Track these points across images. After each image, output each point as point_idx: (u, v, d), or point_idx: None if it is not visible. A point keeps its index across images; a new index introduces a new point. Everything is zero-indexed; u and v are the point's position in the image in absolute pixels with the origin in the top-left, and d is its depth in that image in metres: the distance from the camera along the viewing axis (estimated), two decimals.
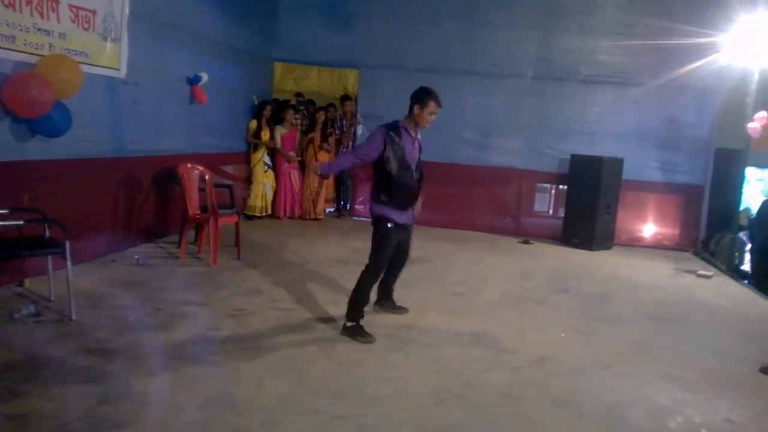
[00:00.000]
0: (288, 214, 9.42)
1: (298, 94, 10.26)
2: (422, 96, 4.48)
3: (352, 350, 4.26)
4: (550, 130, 9.71)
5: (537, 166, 9.76)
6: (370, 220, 4.74)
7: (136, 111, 6.31)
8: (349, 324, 4.54)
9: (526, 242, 9.12)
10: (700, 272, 7.79)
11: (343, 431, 3.15)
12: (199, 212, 6.37)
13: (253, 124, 8.91)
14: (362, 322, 4.57)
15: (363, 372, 3.91)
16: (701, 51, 8.75)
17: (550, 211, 9.88)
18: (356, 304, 4.56)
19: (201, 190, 6.44)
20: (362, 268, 4.67)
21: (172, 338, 4.19)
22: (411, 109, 4.52)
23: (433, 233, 8.85)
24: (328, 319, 4.86)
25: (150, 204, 6.83)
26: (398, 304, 5.18)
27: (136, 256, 6.18)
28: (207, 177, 6.37)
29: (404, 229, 4.73)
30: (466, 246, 8.46)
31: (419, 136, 4.71)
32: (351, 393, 3.59)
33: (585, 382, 4.05)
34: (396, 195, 4.52)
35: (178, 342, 4.13)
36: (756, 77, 8.58)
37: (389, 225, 4.55)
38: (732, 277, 8.02)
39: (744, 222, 9.54)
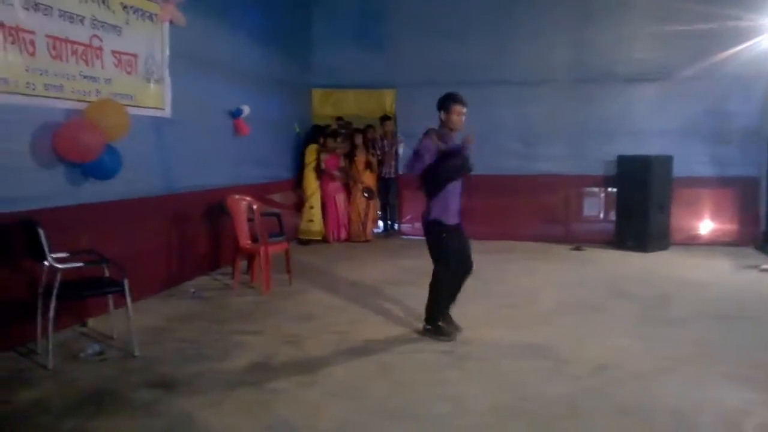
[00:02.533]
0: (336, 237, 9.53)
1: (339, 118, 10.38)
2: (443, 102, 4.73)
3: (408, 370, 4.25)
4: (592, 132, 9.57)
5: (583, 170, 9.60)
6: (423, 231, 4.94)
7: (182, 148, 6.49)
8: (427, 327, 4.86)
9: (577, 249, 8.96)
10: (764, 267, 7.51)
11: None
12: (249, 242, 6.49)
13: (312, 149, 9.19)
14: (442, 323, 4.87)
15: (421, 391, 3.89)
16: (742, 36, 8.54)
17: (601, 215, 9.71)
18: (431, 307, 4.85)
19: (250, 220, 6.56)
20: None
21: (230, 367, 4.26)
22: (439, 118, 4.76)
23: (481, 245, 8.65)
24: (382, 340, 4.86)
25: (202, 237, 7.00)
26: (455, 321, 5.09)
27: (192, 290, 6.32)
28: (255, 207, 6.48)
29: (459, 230, 4.86)
30: (516, 256, 8.37)
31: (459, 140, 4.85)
32: (410, 413, 3.57)
33: (649, 389, 3.94)
34: (448, 199, 4.75)
35: (237, 371, 4.19)
36: None
37: (442, 228, 4.74)
38: None
39: None
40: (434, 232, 4.81)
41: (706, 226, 9.39)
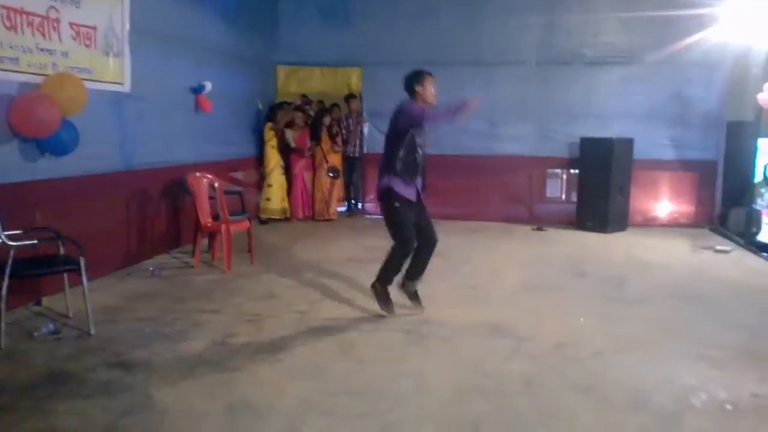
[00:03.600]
0: (300, 215, 9.47)
1: (303, 96, 10.26)
2: (415, 77, 4.71)
3: (371, 348, 4.26)
4: (557, 114, 9.65)
5: (547, 152, 9.69)
6: (381, 208, 4.91)
7: (142, 124, 6.35)
8: (377, 284, 4.86)
9: (539, 229, 9.07)
10: (718, 248, 7.71)
11: (365, 430, 3.15)
12: (210, 220, 6.40)
13: (269, 127, 9.02)
14: (389, 289, 4.89)
15: (383, 369, 3.91)
16: (704, 23, 8.65)
17: (563, 197, 9.82)
18: (386, 270, 4.85)
19: (211, 198, 6.46)
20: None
21: (190, 347, 4.20)
22: (413, 92, 4.71)
23: (445, 226, 8.72)
24: (344, 319, 4.86)
25: (162, 215, 6.88)
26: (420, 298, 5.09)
27: (151, 268, 6.22)
28: (216, 185, 6.39)
29: (416, 205, 4.81)
30: (479, 237, 8.43)
31: None
32: (372, 391, 3.58)
33: (606, 367, 4.02)
34: (407, 167, 4.70)
35: (197, 350, 4.15)
36: (761, 47, 8.46)
37: (397, 204, 4.71)
38: (750, 250, 7.92)
39: (759, 194, 9.44)
40: (387, 201, 4.77)
41: (664, 208, 9.59)
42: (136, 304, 5.15)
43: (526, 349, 4.28)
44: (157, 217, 6.78)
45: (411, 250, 4.82)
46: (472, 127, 9.65)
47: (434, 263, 5.02)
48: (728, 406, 3.47)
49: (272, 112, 9.13)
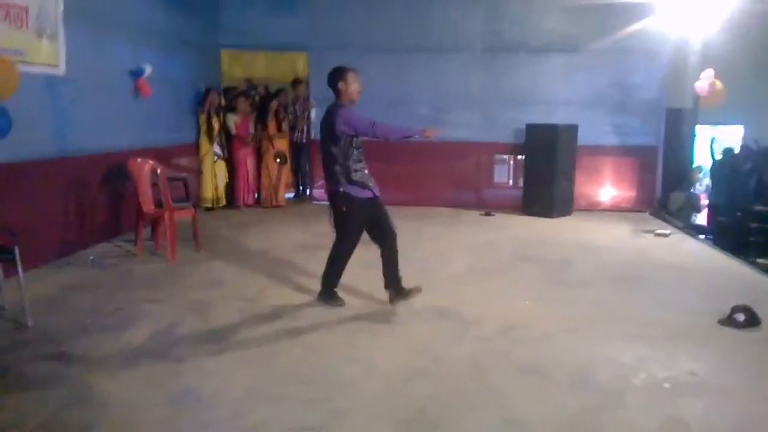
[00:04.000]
0: (246, 202, 9.32)
1: (248, 81, 10.08)
2: (338, 73, 4.55)
3: (319, 334, 4.23)
4: (504, 101, 9.74)
5: (494, 138, 9.79)
6: (333, 209, 4.72)
7: (78, 108, 6.11)
8: (324, 292, 4.79)
9: (487, 214, 9.16)
10: (658, 231, 7.94)
11: (312, 417, 3.12)
12: (153, 207, 6.23)
13: (201, 113, 8.76)
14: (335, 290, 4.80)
15: (331, 355, 3.89)
16: (645, 11, 8.85)
17: (510, 182, 9.93)
18: (329, 276, 4.77)
19: (154, 184, 6.29)
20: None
21: (132, 338, 4.10)
22: (336, 90, 4.57)
23: (393, 212, 8.67)
24: (292, 306, 4.81)
25: (102, 203, 6.66)
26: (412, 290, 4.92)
27: (91, 257, 6.03)
28: (159, 171, 6.22)
29: (372, 204, 4.70)
30: (427, 222, 8.45)
31: None
32: (320, 377, 3.56)
33: (550, 348, 4.10)
34: (357, 171, 4.58)
35: (139, 341, 4.04)
36: (698, 36, 8.72)
37: (352, 206, 4.59)
38: (688, 233, 8.20)
39: (697, 179, 9.78)
40: (341, 204, 4.63)
41: (607, 193, 9.83)
42: (76, 294, 4.99)
43: (473, 332, 4.33)
44: (96, 205, 6.56)
45: (352, 250, 4.73)
46: (419, 113, 9.68)
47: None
48: (666, 385, 3.58)
49: (205, 96, 8.86)
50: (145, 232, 6.44)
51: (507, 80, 9.70)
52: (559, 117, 9.29)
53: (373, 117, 4.59)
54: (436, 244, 7.24)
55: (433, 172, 9.79)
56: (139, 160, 6.32)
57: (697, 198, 9.74)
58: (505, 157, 9.90)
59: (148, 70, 7.21)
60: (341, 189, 4.58)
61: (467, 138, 9.77)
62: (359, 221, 4.68)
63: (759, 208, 8.89)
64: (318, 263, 4.97)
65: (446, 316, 4.65)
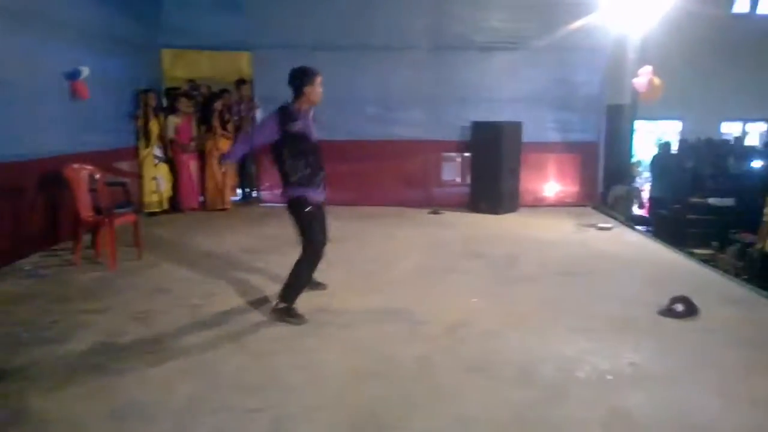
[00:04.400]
0: (191, 206, 9.11)
1: (190, 81, 9.88)
2: (305, 75, 4.49)
3: (264, 341, 4.17)
4: (451, 99, 9.78)
5: (441, 136, 9.83)
6: (286, 205, 4.62)
7: (8, 112, 5.85)
8: (281, 306, 4.52)
9: (435, 212, 9.21)
10: (600, 225, 8.13)
11: (258, 425, 3.08)
12: (92, 214, 6.03)
13: (137, 115, 8.52)
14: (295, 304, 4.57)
15: (277, 361, 3.83)
16: (586, 9, 9.02)
17: (458, 180, 10.00)
18: (295, 287, 4.55)
19: (93, 190, 6.09)
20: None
21: (72, 350, 3.96)
22: (300, 92, 4.50)
23: (342, 212, 8.73)
24: (239, 311, 4.73)
25: (38, 210, 6.40)
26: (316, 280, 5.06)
27: (26, 267, 5.80)
28: (97, 176, 6.02)
29: (321, 208, 4.70)
30: (376, 222, 8.45)
31: (312, 114, 4.68)
32: (265, 385, 3.51)
33: (497, 344, 4.14)
34: (311, 174, 4.53)
35: (79, 353, 3.91)
36: (636, 33, 8.94)
37: (308, 208, 4.51)
38: (629, 226, 8.41)
39: (636, 173, 10.05)
40: (298, 208, 4.55)
41: (551, 188, 10.00)
42: (11, 307, 4.78)
43: (421, 332, 4.34)
44: (32, 213, 6.30)
45: (322, 249, 4.61)
46: (366, 112, 9.69)
47: (330, 250, 4.95)
48: (609, 376, 3.66)
49: (142, 96, 8.62)
50: (85, 239, 6.23)
51: (453, 78, 9.74)
52: (504, 114, 9.39)
53: (320, 117, 4.72)
54: (384, 243, 7.23)
55: (380, 171, 9.78)
56: (75, 165, 6.10)
57: (637, 191, 10.02)
58: (453, 154, 9.96)
59: (84, 72, 6.97)
60: (295, 192, 4.54)
61: (414, 136, 9.80)
62: (314, 219, 4.58)
63: (695, 200, 9.19)
64: (264, 266, 4.91)
65: (394, 316, 4.64)
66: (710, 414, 3.24)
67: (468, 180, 9.75)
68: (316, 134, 4.67)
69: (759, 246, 7.07)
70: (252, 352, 3.97)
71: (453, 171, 9.95)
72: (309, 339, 4.20)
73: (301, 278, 4.57)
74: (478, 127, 9.37)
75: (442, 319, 4.57)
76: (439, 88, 9.78)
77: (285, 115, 4.47)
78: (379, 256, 6.56)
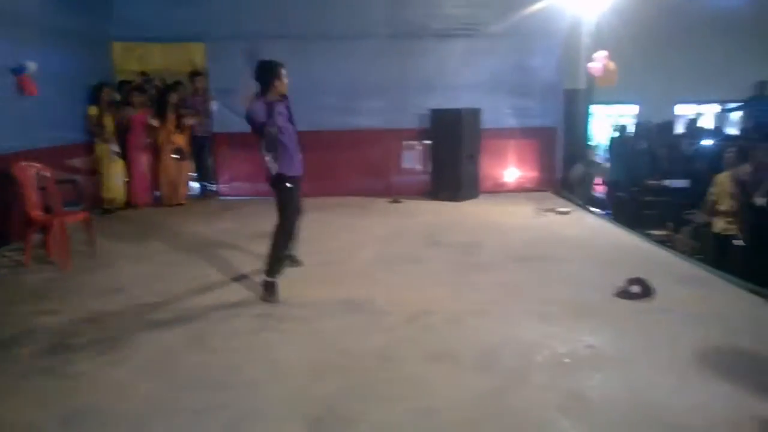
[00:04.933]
0: (145, 201, 8.90)
1: (143, 74, 9.65)
2: (271, 69, 4.83)
3: (222, 337, 4.10)
4: (410, 87, 9.74)
5: (401, 124, 9.78)
6: (274, 192, 4.94)
7: None
8: (269, 279, 4.81)
9: (396, 201, 9.19)
10: (559, 209, 8.21)
11: (217, 423, 3.03)
12: (41, 213, 5.85)
13: (93, 110, 8.28)
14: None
15: (236, 358, 3.78)
16: None
17: (418, 168, 9.97)
18: (277, 261, 4.88)
19: (42, 188, 5.91)
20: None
21: (22, 354, 3.84)
22: (268, 85, 4.82)
23: (303, 203, 8.70)
24: (196, 308, 4.64)
25: None
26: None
27: None
28: (48, 174, 5.85)
29: (298, 183, 5.08)
30: (337, 212, 8.37)
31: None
32: (225, 382, 3.46)
33: (459, 332, 4.15)
34: (291, 155, 4.98)
35: (30, 356, 3.80)
36: (590, 18, 9.03)
37: (289, 185, 4.88)
38: (588, 210, 8.52)
39: (593, 157, 10.18)
40: (280, 185, 4.89)
41: (511, 174, 10.06)
42: None
43: (383, 323, 4.32)
44: None
45: (297, 220, 5.11)
46: (327, 102, 9.58)
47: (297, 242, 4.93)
48: (567, 360, 3.70)
49: (97, 91, 8.39)
50: (35, 239, 6.05)
51: (412, 66, 9.70)
52: (463, 101, 9.39)
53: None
54: (345, 234, 7.18)
55: (340, 161, 9.70)
56: (23, 163, 5.91)
57: (597, 166, 10.15)
58: (413, 143, 9.94)
59: (31, 66, 6.74)
60: (274, 169, 4.88)
61: (375, 125, 9.73)
62: (294, 196, 5.02)
63: (651, 182, 9.33)
64: (221, 263, 4.83)
65: (356, 308, 4.62)
66: (664, 393, 3.29)
67: (428, 168, 9.75)
68: (287, 123, 4.99)
69: (701, 219, 7.21)
70: (210, 349, 3.91)
71: (413, 159, 9.92)
72: (268, 333, 4.16)
73: (280, 248, 4.92)
74: (437, 114, 9.36)
75: (404, 308, 4.57)
76: (398, 76, 9.72)
77: (266, 104, 4.78)
78: (340, 247, 6.52)
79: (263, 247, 4.97)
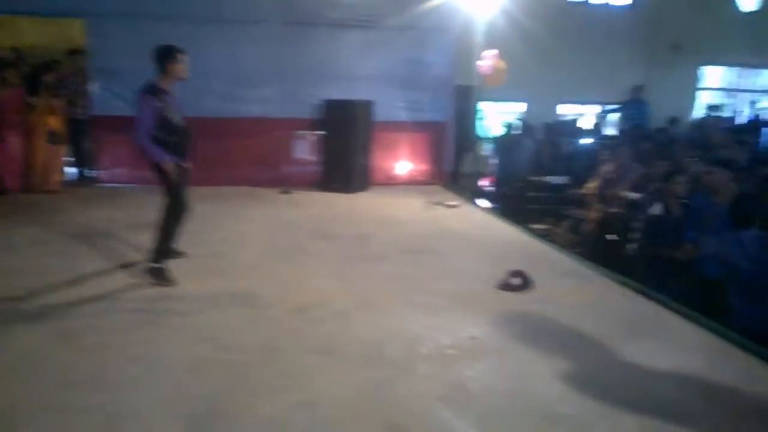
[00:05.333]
0: (15, 186, 8.20)
1: (15, 50, 8.94)
2: (168, 53, 4.79)
3: (97, 333, 3.87)
4: (303, 76, 9.60)
5: (293, 114, 9.61)
6: (151, 167, 4.84)
7: None
8: (156, 266, 4.75)
9: (286, 192, 9.05)
10: (448, 203, 8.40)
11: (91, 423, 2.87)
12: None
13: None
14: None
15: (109, 355, 3.58)
16: None
17: (310, 158, 9.86)
18: (163, 244, 4.81)
19: None
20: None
21: None
22: (164, 70, 4.79)
23: (190, 193, 8.39)
24: (68, 303, 4.34)
25: None
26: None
27: None
28: None
29: (185, 171, 5.04)
30: (225, 203, 8.08)
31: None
32: (96, 380, 3.27)
33: (344, 325, 4.15)
34: (178, 146, 4.92)
35: None
36: (482, 16, 9.27)
37: (173, 170, 4.82)
38: (475, 204, 8.77)
39: (481, 153, 10.51)
40: (160, 168, 4.80)
41: (402, 167, 10.18)
42: None
43: (267, 316, 4.25)
44: None
45: (186, 205, 4.96)
46: (215, 88, 9.26)
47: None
48: (450, 351, 3.79)
49: None
50: None
51: (306, 55, 9.56)
52: (357, 93, 9.37)
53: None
54: (232, 225, 6.97)
55: (230, 150, 9.39)
56: None
57: (485, 161, 10.48)
58: (305, 133, 9.82)
59: None
60: (153, 156, 4.80)
61: (266, 114, 9.51)
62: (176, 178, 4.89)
63: (534, 178, 9.75)
64: (95, 254, 4.57)
65: (241, 301, 4.51)
66: (540, 382, 3.44)
67: (320, 159, 9.68)
68: (180, 111, 4.98)
69: (578, 214, 7.64)
70: (83, 347, 3.68)
71: (305, 149, 9.80)
72: (146, 330, 3.96)
73: (168, 233, 4.83)
74: (331, 105, 9.31)
75: (290, 301, 4.51)
76: (291, 64, 9.56)
77: (154, 90, 4.73)
78: (226, 238, 6.33)
79: (144, 237, 4.77)
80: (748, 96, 15.88)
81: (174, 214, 4.88)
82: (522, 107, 14.26)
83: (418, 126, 10.05)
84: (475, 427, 3.02)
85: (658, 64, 13.83)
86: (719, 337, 4.11)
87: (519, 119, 12.17)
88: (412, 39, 9.79)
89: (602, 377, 3.52)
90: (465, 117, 10.30)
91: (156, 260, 4.78)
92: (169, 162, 4.79)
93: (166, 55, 4.78)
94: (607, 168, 7.12)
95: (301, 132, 9.75)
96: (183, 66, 4.84)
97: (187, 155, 5.08)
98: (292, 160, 9.74)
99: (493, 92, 11.01)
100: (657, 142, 9.88)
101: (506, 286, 4.91)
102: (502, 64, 9.16)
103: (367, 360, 3.63)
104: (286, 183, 9.39)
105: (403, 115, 9.96)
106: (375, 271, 5.37)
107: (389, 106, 9.72)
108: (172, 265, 4.92)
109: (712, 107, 13.82)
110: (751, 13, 13.48)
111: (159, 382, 3.30)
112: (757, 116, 13.99)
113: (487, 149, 10.95)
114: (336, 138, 9.19)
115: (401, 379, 3.42)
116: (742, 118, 14.37)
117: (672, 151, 8.58)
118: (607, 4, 14.45)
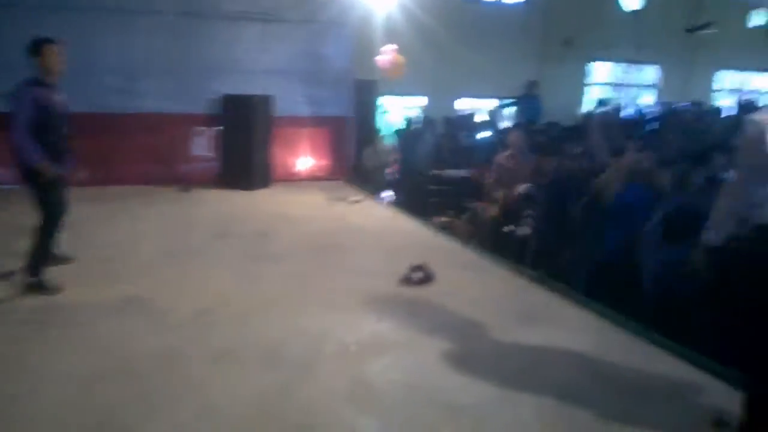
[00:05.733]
0: None
1: None
2: (35, 47, 4.52)
3: None
4: (199, 69, 9.30)
5: (191, 109, 9.31)
6: (28, 185, 4.54)
7: None
8: (34, 279, 4.49)
9: (185, 190, 8.74)
10: (351, 198, 8.42)
11: None
12: None
13: None
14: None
15: None
16: None
17: (209, 155, 9.60)
18: (40, 257, 4.54)
19: None
20: None
21: None
22: (36, 63, 4.54)
23: (79, 193, 7.85)
24: None
25: None
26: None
27: None
28: None
29: (61, 178, 4.70)
30: (118, 203, 7.71)
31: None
32: None
33: (245, 327, 4.08)
34: (53, 146, 4.58)
35: None
36: (380, 11, 9.34)
37: (48, 177, 4.49)
38: (378, 199, 8.84)
39: (383, 147, 10.60)
40: (36, 178, 4.50)
41: (304, 163, 10.11)
42: None
43: (164, 322, 4.11)
44: None
45: (61, 215, 4.65)
46: (105, 81, 8.83)
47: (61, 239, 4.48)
48: (353, 347, 3.81)
49: None
50: None
51: (203, 48, 9.27)
52: (256, 88, 9.20)
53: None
54: (126, 226, 6.67)
55: (123, 147, 8.96)
56: None
57: (386, 155, 10.56)
58: (203, 129, 9.54)
59: None
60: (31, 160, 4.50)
61: (161, 109, 9.13)
62: (53, 186, 4.61)
63: (434, 172, 9.92)
64: None
65: (135, 307, 4.33)
66: (439, 374, 3.53)
67: (219, 156, 9.44)
68: (64, 107, 4.73)
69: (477, 207, 7.87)
70: None
71: (203, 146, 9.53)
72: (34, 342, 3.74)
73: (44, 247, 4.57)
74: (229, 100, 9.10)
75: (188, 305, 4.38)
76: (187, 57, 9.24)
77: (33, 84, 4.49)
78: (120, 241, 6.05)
79: (21, 243, 4.48)
80: (634, 91, 16.93)
81: (51, 220, 4.59)
82: (423, 101, 14.50)
83: (319, 121, 10.01)
84: (379, 421, 3.06)
85: (551, 60, 14.49)
86: (604, 318, 4.37)
87: (421, 113, 12.36)
88: (311, 32, 9.72)
89: (501, 365, 3.65)
90: (366, 111, 10.35)
91: (33, 273, 4.50)
92: (44, 163, 4.48)
93: (33, 49, 4.54)
94: (502, 156, 7.39)
95: (199, 128, 9.48)
96: (56, 58, 4.58)
97: (67, 155, 4.79)
98: (190, 157, 9.45)
99: (395, 87, 11.16)
100: (549, 136, 10.29)
101: (408, 281, 4.99)
102: (400, 59, 9.27)
103: (270, 362, 3.59)
104: (184, 181, 9.10)
105: (303, 110, 9.88)
106: (276, 270, 5.30)
107: (289, 100, 9.60)
108: (57, 272, 4.67)
109: (601, 102, 14.56)
110: (634, 12, 14.27)
111: (49, 398, 3.12)
112: (639, 110, 14.88)
113: (389, 143, 11.03)
114: (235, 134, 9.00)
115: (305, 379, 3.41)
116: (627, 112, 15.26)
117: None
118: (500, 1, 14.93)
